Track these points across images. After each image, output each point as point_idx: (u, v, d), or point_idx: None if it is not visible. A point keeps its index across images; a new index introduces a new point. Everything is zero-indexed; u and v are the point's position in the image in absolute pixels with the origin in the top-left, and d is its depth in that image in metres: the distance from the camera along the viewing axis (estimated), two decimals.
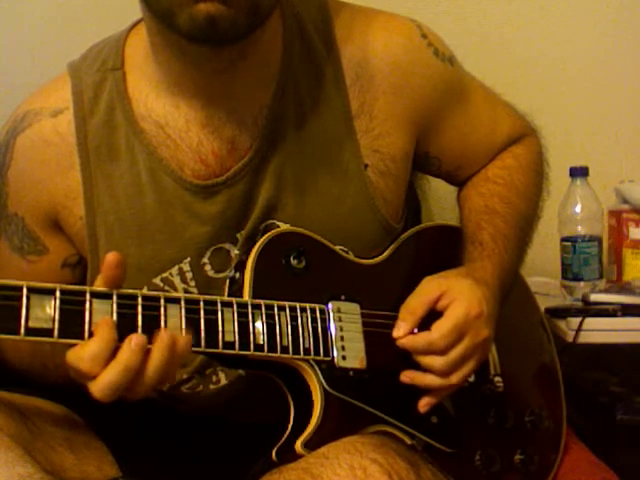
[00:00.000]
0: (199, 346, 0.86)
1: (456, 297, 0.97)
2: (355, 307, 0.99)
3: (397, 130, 1.06)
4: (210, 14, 0.86)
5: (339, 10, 1.07)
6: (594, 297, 1.37)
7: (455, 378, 0.96)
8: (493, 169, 1.16)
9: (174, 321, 0.85)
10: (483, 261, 1.04)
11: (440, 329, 0.95)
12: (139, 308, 0.84)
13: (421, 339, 0.96)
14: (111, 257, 0.84)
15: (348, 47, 1.05)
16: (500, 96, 1.19)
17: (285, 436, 0.91)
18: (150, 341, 0.82)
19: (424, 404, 0.97)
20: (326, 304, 0.97)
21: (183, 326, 0.85)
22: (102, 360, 0.80)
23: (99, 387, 0.80)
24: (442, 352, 0.95)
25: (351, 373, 0.95)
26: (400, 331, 0.97)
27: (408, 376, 0.97)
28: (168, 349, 0.82)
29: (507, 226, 1.10)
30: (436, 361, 0.95)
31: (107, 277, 0.83)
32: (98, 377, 0.80)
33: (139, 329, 0.83)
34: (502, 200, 1.12)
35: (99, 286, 0.84)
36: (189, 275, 1.01)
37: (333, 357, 0.94)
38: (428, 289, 0.99)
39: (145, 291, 0.87)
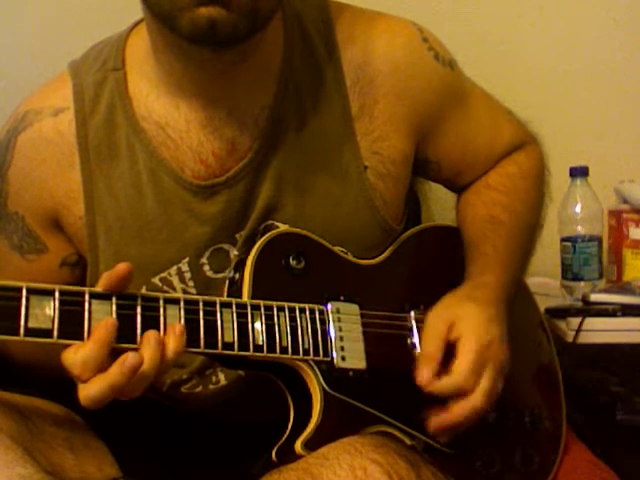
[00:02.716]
0: (198, 347, 0.86)
1: (465, 328, 0.97)
2: (354, 308, 0.99)
3: (397, 133, 1.06)
4: (211, 18, 0.86)
5: (340, 12, 1.07)
6: (594, 297, 1.37)
7: (488, 404, 0.96)
8: (494, 176, 1.16)
9: (173, 322, 0.85)
10: (488, 274, 1.04)
11: (461, 370, 0.95)
12: (138, 309, 0.84)
13: (447, 385, 0.95)
14: (123, 267, 0.83)
15: (349, 49, 1.05)
16: (501, 103, 1.19)
17: (285, 436, 0.91)
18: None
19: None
20: (325, 305, 0.97)
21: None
22: (94, 365, 0.80)
23: (84, 396, 0.81)
24: (471, 390, 0.95)
25: (351, 373, 0.95)
26: (424, 378, 0.95)
27: (441, 420, 0.96)
28: (157, 356, 0.82)
29: (511, 236, 1.10)
30: (471, 401, 0.95)
31: (111, 285, 0.83)
32: (84, 386, 0.80)
33: (138, 330, 0.83)
34: (505, 209, 1.12)
35: (100, 288, 0.84)
36: (187, 275, 1.02)
37: (332, 358, 0.94)
38: (437, 327, 0.98)
39: (144, 292, 0.87)
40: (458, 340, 0.97)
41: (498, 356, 0.98)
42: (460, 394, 0.95)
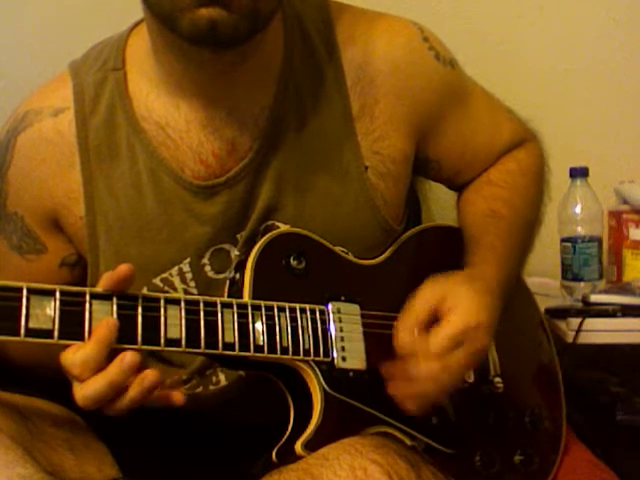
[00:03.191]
0: (199, 347, 0.86)
1: (456, 305, 0.96)
2: (355, 308, 0.99)
3: (397, 132, 1.06)
4: (212, 19, 0.86)
5: (340, 12, 1.07)
6: (594, 298, 1.37)
7: (446, 383, 0.95)
8: (495, 173, 1.16)
9: (174, 322, 0.85)
10: (487, 266, 1.04)
11: (438, 336, 0.94)
12: (139, 309, 0.84)
13: (419, 344, 0.94)
14: (125, 269, 0.83)
15: (349, 49, 1.05)
16: (501, 101, 1.19)
17: (285, 437, 0.91)
18: (147, 342, 0.83)
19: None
20: (326, 305, 0.97)
21: (183, 327, 0.85)
22: (93, 366, 0.80)
23: (81, 395, 0.81)
24: (437, 357, 0.93)
25: (351, 374, 0.95)
26: (400, 333, 0.96)
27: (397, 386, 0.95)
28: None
29: (512, 230, 1.10)
30: (430, 366, 0.93)
31: (112, 286, 0.83)
32: (82, 385, 0.81)
33: (139, 330, 0.83)
34: (506, 204, 1.12)
35: (101, 288, 0.84)
36: (189, 275, 1.02)
37: (333, 358, 0.94)
38: (430, 293, 0.98)
39: (145, 292, 0.87)
40: (447, 313, 0.95)
41: (477, 342, 0.96)
42: (426, 357, 0.93)
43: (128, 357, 0.81)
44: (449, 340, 0.94)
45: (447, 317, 0.95)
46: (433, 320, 0.96)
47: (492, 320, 0.99)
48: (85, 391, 0.81)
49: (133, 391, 0.82)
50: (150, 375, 0.82)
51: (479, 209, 1.13)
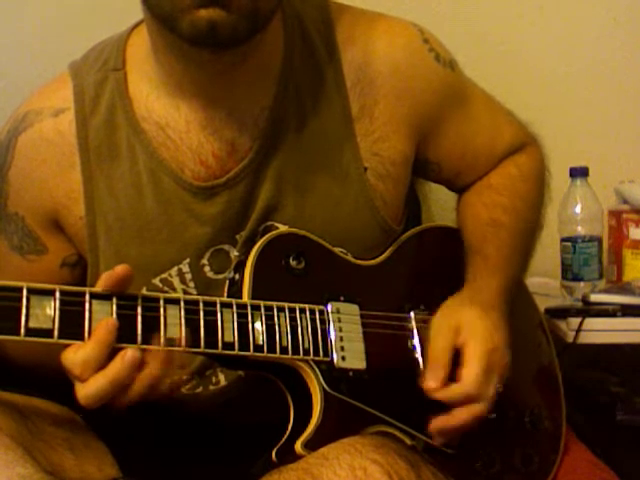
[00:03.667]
0: (198, 347, 0.86)
1: (471, 335, 0.98)
2: (354, 308, 0.99)
3: (397, 134, 1.06)
4: (211, 20, 0.87)
5: (341, 13, 1.07)
6: (594, 297, 1.37)
7: (485, 413, 0.98)
8: (495, 177, 1.16)
9: (173, 322, 0.85)
10: (488, 277, 1.05)
11: (470, 380, 0.96)
12: (139, 309, 0.84)
13: (456, 393, 0.96)
14: (122, 269, 0.84)
15: (349, 50, 1.05)
16: (502, 104, 1.19)
17: (285, 437, 0.91)
18: (147, 341, 0.83)
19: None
20: (325, 305, 0.97)
21: (182, 327, 0.86)
22: (94, 365, 0.81)
23: (83, 394, 0.81)
24: (476, 398, 0.96)
25: (351, 374, 0.95)
26: (432, 384, 0.97)
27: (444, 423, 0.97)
28: (164, 364, 0.83)
29: (512, 238, 1.10)
30: (476, 408, 0.96)
31: (110, 286, 0.84)
32: (85, 384, 0.81)
33: (139, 330, 0.83)
34: (506, 211, 1.12)
35: (99, 288, 0.84)
36: (188, 276, 1.02)
37: (332, 358, 0.94)
38: (443, 332, 0.99)
39: (144, 292, 0.87)
40: (464, 346, 0.98)
41: (501, 362, 0.99)
42: (467, 402, 0.96)
43: (129, 353, 0.81)
44: (481, 378, 0.96)
45: (468, 352, 0.98)
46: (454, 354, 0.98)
47: (505, 334, 1.01)
48: (87, 390, 0.81)
49: (136, 387, 0.83)
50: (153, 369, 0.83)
51: (479, 216, 1.13)
